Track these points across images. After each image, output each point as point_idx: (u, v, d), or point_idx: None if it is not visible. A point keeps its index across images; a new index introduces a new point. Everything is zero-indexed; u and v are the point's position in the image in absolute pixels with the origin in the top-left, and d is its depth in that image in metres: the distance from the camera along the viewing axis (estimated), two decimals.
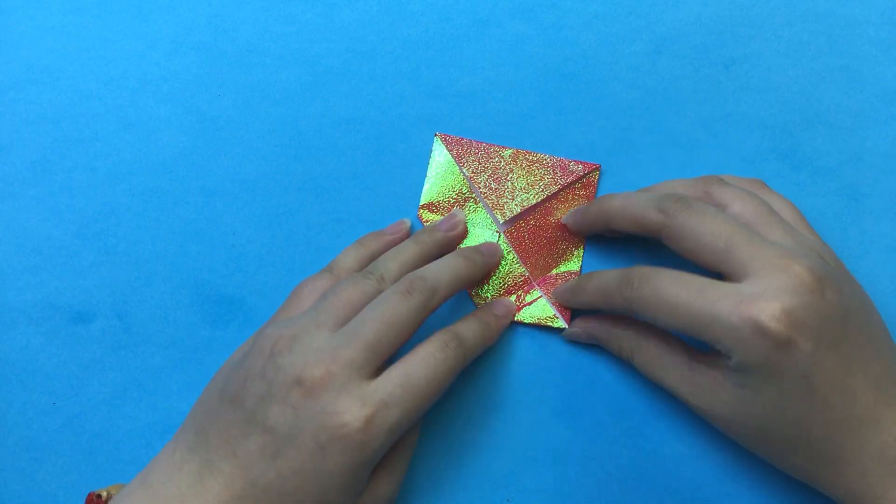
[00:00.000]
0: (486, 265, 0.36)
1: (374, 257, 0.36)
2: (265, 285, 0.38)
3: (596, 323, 0.36)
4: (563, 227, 0.38)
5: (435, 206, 0.38)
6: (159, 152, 0.39)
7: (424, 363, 0.31)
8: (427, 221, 0.38)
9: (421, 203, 0.39)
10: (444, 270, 0.34)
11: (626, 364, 0.36)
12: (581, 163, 0.38)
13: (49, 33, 0.40)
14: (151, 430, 0.37)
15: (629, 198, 0.34)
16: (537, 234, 0.38)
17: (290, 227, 0.39)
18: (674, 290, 0.31)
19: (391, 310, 0.31)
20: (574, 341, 0.37)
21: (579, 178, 0.38)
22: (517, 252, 0.38)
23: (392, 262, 0.34)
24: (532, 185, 0.38)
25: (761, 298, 0.29)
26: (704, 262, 0.31)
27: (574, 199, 0.38)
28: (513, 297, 0.37)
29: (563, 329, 0.37)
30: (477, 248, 0.37)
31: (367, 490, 0.31)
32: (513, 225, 0.38)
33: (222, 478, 0.29)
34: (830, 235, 0.38)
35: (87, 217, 0.39)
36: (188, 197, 0.39)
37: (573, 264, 0.38)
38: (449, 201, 0.38)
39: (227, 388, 0.31)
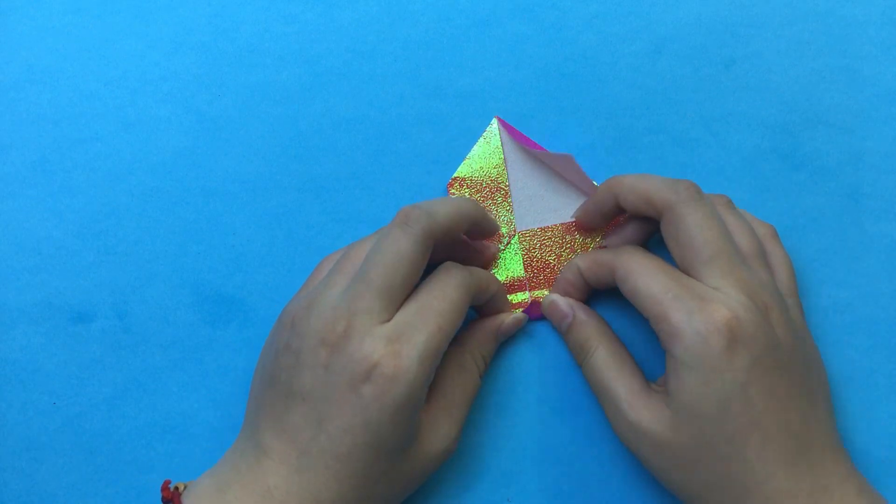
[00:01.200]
0: (483, 216, 0.36)
1: None
2: (265, 285, 0.38)
3: (577, 303, 0.36)
4: (574, 251, 0.38)
5: (466, 184, 0.38)
6: (159, 152, 0.39)
7: (435, 286, 0.32)
8: (455, 195, 0.38)
9: (454, 175, 0.39)
10: (440, 204, 0.33)
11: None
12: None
13: (49, 33, 0.40)
14: (151, 430, 0.37)
15: (640, 178, 0.34)
16: (548, 247, 0.38)
17: (290, 227, 0.39)
18: (657, 265, 0.32)
19: (392, 247, 0.31)
20: (548, 317, 0.37)
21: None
22: (523, 255, 0.38)
23: (427, 208, 0.32)
24: (561, 206, 0.38)
25: (719, 301, 0.29)
26: (685, 258, 0.32)
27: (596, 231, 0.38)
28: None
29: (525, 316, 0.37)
30: (475, 200, 0.37)
31: (424, 433, 0.32)
32: (529, 230, 0.38)
33: (276, 455, 0.30)
34: (830, 235, 0.38)
35: (87, 217, 0.39)
36: (188, 197, 0.39)
37: None
38: (481, 184, 0.38)
39: (264, 372, 0.32)
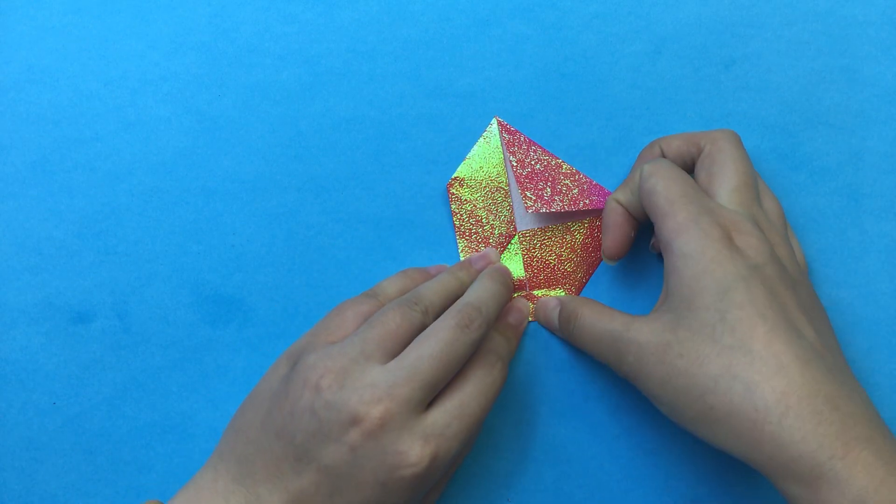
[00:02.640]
0: (512, 289, 0.37)
1: None
2: (265, 285, 0.38)
3: (549, 298, 0.37)
4: (574, 251, 0.38)
5: (466, 184, 0.39)
6: (159, 152, 0.39)
7: (477, 390, 0.31)
8: (455, 195, 0.38)
9: (454, 175, 0.39)
10: (491, 300, 0.33)
11: None
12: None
13: (49, 33, 0.40)
14: (151, 430, 0.37)
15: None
16: (549, 247, 0.38)
17: (290, 227, 0.39)
18: (684, 176, 0.32)
19: (449, 346, 0.30)
20: (540, 320, 0.38)
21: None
22: (523, 255, 0.38)
23: (435, 295, 0.33)
24: (564, 199, 0.38)
25: (734, 217, 0.31)
26: (713, 182, 0.33)
27: (596, 227, 0.38)
28: None
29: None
30: (504, 271, 0.37)
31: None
32: (530, 229, 0.38)
33: None
34: (830, 235, 0.38)
35: (87, 217, 0.39)
36: (188, 197, 0.39)
37: (567, 292, 0.38)
38: (481, 184, 0.38)
39: (270, 420, 0.30)
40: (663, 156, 0.35)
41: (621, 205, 0.35)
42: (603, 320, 0.33)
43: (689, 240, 0.29)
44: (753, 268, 0.29)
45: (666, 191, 0.31)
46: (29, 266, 0.38)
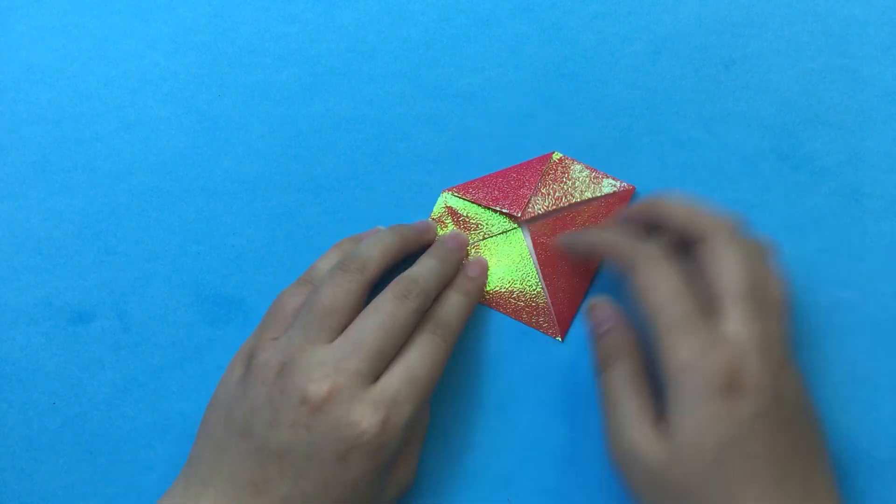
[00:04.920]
0: (459, 261, 0.37)
1: None
2: (265, 285, 0.38)
3: (619, 314, 0.35)
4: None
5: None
6: (159, 152, 0.39)
7: (421, 354, 0.32)
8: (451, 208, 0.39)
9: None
10: (431, 273, 0.34)
11: None
12: (616, 180, 0.38)
13: (49, 33, 0.40)
14: (151, 430, 0.37)
15: (688, 197, 0.34)
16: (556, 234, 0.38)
17: (290, 227, 0.39)
18: (671, 296, 0.30)
19: (391, 317, 0.31)
20: (588, 314, 0.36)
21: (611, 196, 0.38)
22: (534, 248, 0.38)
23: (371, 250, 0.34)
24: (560, 191, 0.38)
25: (736, 351, 0.29)
26: (713, 290, 0.31)
27: (601, 214, 0.38)
28: (517, 288, 0.38)
29: (555, 337, 0.37)
30: (447, 247, 0.37)
31: (388, 481, 0.32)
32: (535, 222, 0.38)
33: None
34: (830, 235, 0.38)
35: (87, 217, 0.39)
36: (188, 197, 0.39)
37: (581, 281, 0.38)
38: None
39: (232, 420, 0.31)
40: (653, 224, 0.34)
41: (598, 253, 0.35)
42: (624, 395, 0.32)
43: (690, 387, 0.29)
44: (755, 418, 0.28)
45: (664, 311, 0.30)
46: (29, 266, 0.38)
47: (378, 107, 0.40)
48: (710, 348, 0.29)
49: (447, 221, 0.38)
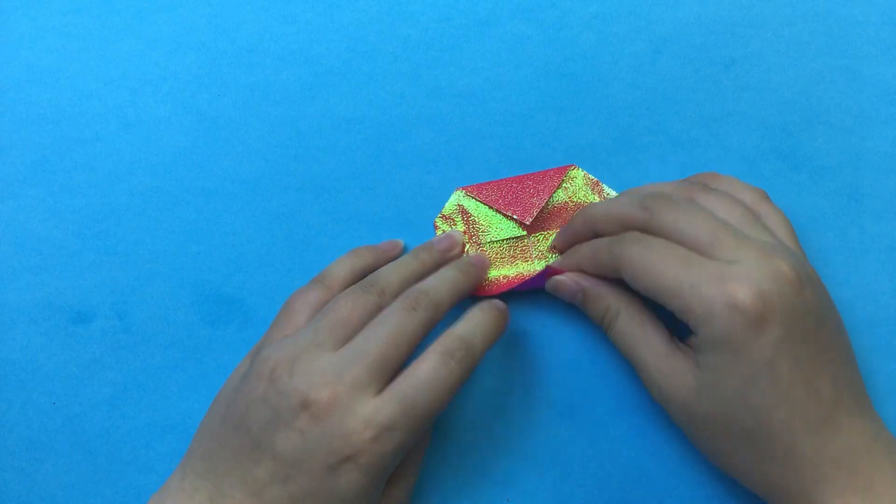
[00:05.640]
0: (479, 278, 0.37)
1: (367, 269, 0.36)
2: (265, 285, 0.38)
3: (586, 277, 0.35)
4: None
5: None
6: (159, 152, 0.39)
7: (428, 382, 0.30)
8: (439, 230, 0.38)
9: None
10: (444, 284, 0.33)
11: (624, 360, 0.36)
12: (556, 169, 0.39)
13: (49, 33, 0.40)
14: (151, 430, 0.37)
15: (611, 202, 0.34)
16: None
17: (290, 227, 0.39)
18: (661, 252, 0.30)
19: (397, 327, 0.31)
20: (556, 295, 0.36)
21: (562, 181, 0.38)
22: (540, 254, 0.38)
23: (393, 275, 0.34)
24: (573, 206, 0.38)
25: (741, 278, 0.29)
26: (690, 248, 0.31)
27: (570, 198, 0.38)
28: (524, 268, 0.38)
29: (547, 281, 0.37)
30: (470, 262, 0.37)
31: (381, 499, 0.32)
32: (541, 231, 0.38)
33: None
34: (830, 235, 0.38)
35: (87, 217, 0.39)
36: (188, 197, 0.39)
37: None
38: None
39: (229, 414, 0.31)
40: (596, 234, 0.35)
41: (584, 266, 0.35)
42: (636, 339, 0.33)
43: (712, 330, 0.29)
44: (779, 342, 0.28)
45: (663, 285, 0.30)
46: (29, 266, 0.38)
47: (378, 107, 0.40)
48: (717, 294, 0.29)
49: (456, 219, 0.38)
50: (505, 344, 0.37)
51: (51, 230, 0.39)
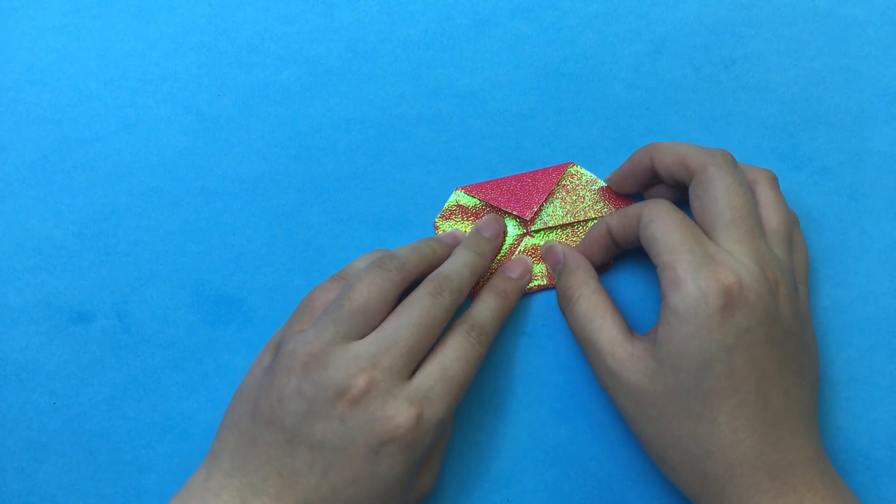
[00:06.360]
0: (495, 252, 0.37)
1: None
2: (265, 285, 0.38)
3: (574, 253, 0.37)
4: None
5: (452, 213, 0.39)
6: (159, 152, 0.39)
7: (457, 354, 0.32)
8: (439, 231, 0.38)
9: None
10: (465, 268, 0.34)
11: None
12: (555, 166, 0.39)
13: (49, 33, 0.40)
14: (151, 430, 0.37)
15: (679, 142, 0.35)
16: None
17: (290, 227, 0.39)
18: (683, 220, 0.32)
19: (426, 313, 0.32)
20: (545, 261, 0.38)
21: (560, 177, 0.38)
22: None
23: (410, 253, 0.34)
24: (571, 204, 0.38)
25: (731, 267, 0.30)
26: (707, 219, 0.32)
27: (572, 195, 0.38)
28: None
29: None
30: (482, 237, 0.37)
31: (414, 483, 0.32)
32: (542, 229, 0.38)
33: (269, 499, 0.29)
34: (830, 235, 0.38)
35: (87, 217, 0.39)
36: (188, 197, 0.39)
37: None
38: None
39: (259, 410, 0.31)
40: (652, 169, 0.35)
41: (610, 231, 0.35)
42: (594, 324, 0.33)
43: (683, 297, 0.30)
44: (742, 332, 0.29)
45: (665, 238, 0.31)
46: (29, 266, 0.38)
47: (378, 107, 0.40)
48: (702, 264, 0.30)
49: (456, 219, 0.39)
50: (505, 344, 0.37)
51: (51, 230, 0.39)
